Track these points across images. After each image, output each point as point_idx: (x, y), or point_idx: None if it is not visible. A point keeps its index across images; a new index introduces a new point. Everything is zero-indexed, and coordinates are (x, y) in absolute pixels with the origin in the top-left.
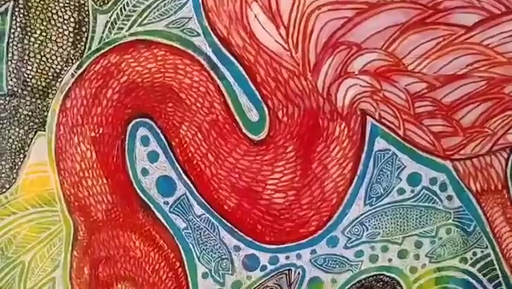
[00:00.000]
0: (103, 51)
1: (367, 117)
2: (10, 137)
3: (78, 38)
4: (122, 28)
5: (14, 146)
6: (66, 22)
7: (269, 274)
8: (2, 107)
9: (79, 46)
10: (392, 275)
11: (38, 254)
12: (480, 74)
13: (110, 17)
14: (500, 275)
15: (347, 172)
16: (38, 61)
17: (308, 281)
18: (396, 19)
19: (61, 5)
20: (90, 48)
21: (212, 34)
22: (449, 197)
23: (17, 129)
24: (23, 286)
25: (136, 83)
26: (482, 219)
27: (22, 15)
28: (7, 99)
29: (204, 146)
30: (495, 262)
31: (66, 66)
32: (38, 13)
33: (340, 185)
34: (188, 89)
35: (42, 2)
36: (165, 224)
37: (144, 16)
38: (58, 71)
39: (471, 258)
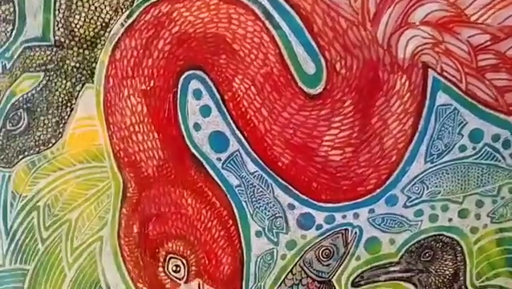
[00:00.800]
0: (153, 0)
1: (429, 70)
2: (56, 90)
3: None
4: None
5: (60, 99)
6: None
7: (324, 234)
8: (49, 58)
9: None
10: (452, 236)
11: (85, 211)
12: None
13: None
14: None
15: (407, 127)
16: (86, 10)
17: (365, 241)
18: None
19: None
20: None
21: None
22: None
23: (64, 81)
24: (70, 245)
25: (188, 33)
26: None
27: None
28: (54, 50)
29: (257, 100)
30: None
31: (115, 15)
32: None
33: (400, 141)
34: (241, 40)
35: None
36: (218, 181)
37: None
38: (107, 20)
39: None
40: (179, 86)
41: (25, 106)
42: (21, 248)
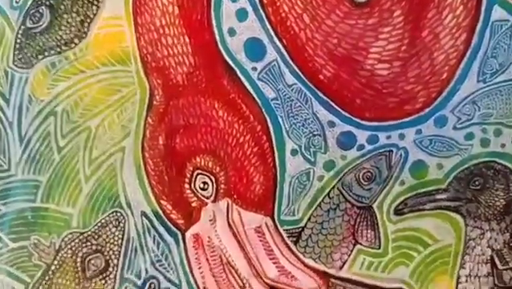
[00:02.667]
0: None
1: None
2: None
3: None
4: None
5: None
6: None
7: (366, 155)
8: None
9: None
10: (505, 163)
11: (106, 119)
12: None
13: None
14: None
15: (459, 43)
16: None
17: (411, 165)
18: None
19: None
20: None
21: None
22: None
23: None
24: (88, 156)
25: None
26: None
27: None
28: None
29: (299, 5)
30: None
31: None
32: None
33: (452, 57)
34: None
35: None
36: (252, 92)
37: None
38: None
39: None
40: None
41: (48, 2)
42: (35, 157)
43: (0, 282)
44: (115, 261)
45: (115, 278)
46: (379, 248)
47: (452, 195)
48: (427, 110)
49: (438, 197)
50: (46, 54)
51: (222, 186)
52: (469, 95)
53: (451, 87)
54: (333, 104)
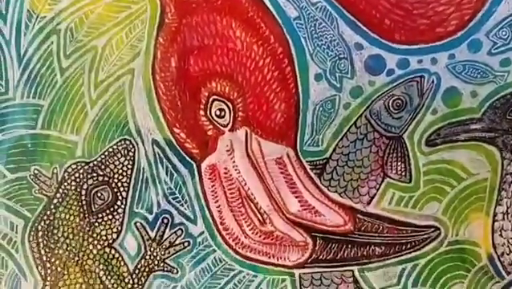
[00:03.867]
0: None
1: None
2: None
3: None
4: None
5: None
6: None
7: (396, 81)
8: None
9: None
10: None
11: (114, 38)
12: None
13: None
14: None
15: None
16: None
17: (443, 92)
18: None
19: None
20: None
21: None
22: None
23: None
24: (94, 78)
25: None
26: None
27: None
28: None
29: None
30: None
31: None
32: None
33: None
34: None
35: None
36: (273, 11)
37: None
38: None
39: None
40: None
41: None
42: (35, 79)
43: None
44: (124, 194)
45: (123, 212)
46: (410, 182)
47: (487, 125)
48: (460, 33)
49: (472, 127)
50: None
51: (240, 114)
52: (505, 18)
53: (486, 10)
54: (360, 25)
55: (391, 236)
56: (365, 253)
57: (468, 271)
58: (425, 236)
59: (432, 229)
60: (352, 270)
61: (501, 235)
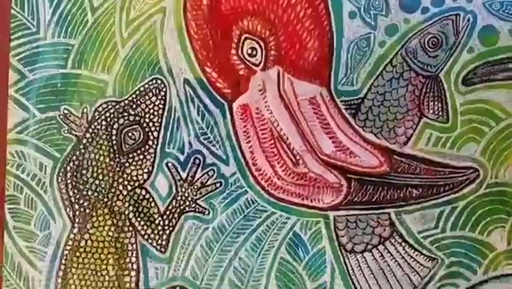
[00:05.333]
0: None
1: None
2: None
3: None
4: None
5: None
6: None
7: (431, 19)
8: None
9: None
10: None
11: None
12: None
13: None
14: None
15: None
16: None
17: (480, 30)
18: None
19: None
20: None
21: None
22: None
23: None
24: (125, 16)
25: None
26: None
27: None
28: None
29: None
30: None
31: None
32: None
33: None
34: None
35: None
36: None
37: None
38: None
39: None
40: None
41: None
42: (66, 18)
43: (26, 157)
44: (155, 133)
45: (155, 152)
46: (447, 122)
47: None
48: None
49: (510, 66)
50: None
51: (272, 52)
52: None
53: None
54: None
55: (428, 177)
56: (402, 195)
57: (509, 215)
58: (463, 178)
59: (471, 171)
60: (389, 213)
61: None
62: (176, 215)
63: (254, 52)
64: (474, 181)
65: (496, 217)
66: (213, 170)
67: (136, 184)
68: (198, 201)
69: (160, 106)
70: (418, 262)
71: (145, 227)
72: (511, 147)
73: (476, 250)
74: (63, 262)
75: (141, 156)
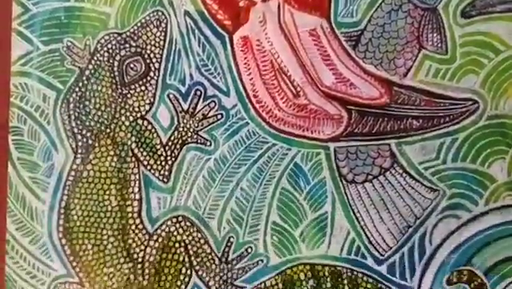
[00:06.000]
0: None
1: None
2: None
3: None
4: None
5: None
6: None
7: None
8: None
9: None
10: None
11: None
12: None
13: None
14: None
15: None
16: None
17: None
18: None
19: None
20: None
21: None
22: None
23: None
24: None
25: None
26: None
27: None
28: None
29: None
30: None
31: None
32: None
33: None
34: None
35: None
36: None
37: None
38: None
39: None
40: None
41: None
42: None
43: (30, 89)
44: (157, 65)
45: (156, 83)
46: (446, 53)
47: None
48: None
49: None
50: None
51: None
52: None
53: None
54: None
55: (428, 109)
56: (402, 126)
57: (509, 147)
58: (463, 109)
59: (471, 103)
60: (389, 144)
61: None
62: (178, 146)
63: None
64: (474, 112)
65: (496, 148)
66: (214, 102)
67: (138, 115)
68: (200, 133)
69: (161, 38)
70: (419, 193)
71: (148, 158)
72: (510, 79)
73: (477, 182)
74: (66, 192)
75: (143, 88)
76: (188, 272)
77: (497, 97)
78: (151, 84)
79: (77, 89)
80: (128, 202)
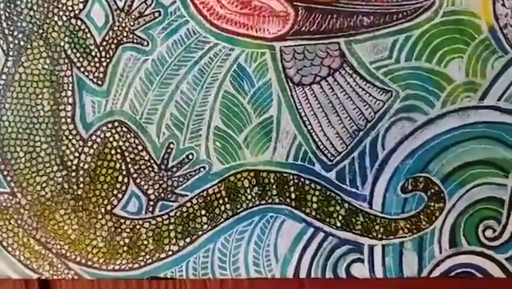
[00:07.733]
0: None
1: None
2: None
3: None
4: None
5: None
6: None
7: None
8: None
9: None
10: None
11: None
12: None
13: None
14: None
15: None
16: None
17: None
18: None
19: None
20: None
21: None
22: None
23: None
24: None
25: None
26: None
27: None
28: None
29: None
30: None
31: None
32: None
33: None
34: None
35: None
36: None
37: None
38: None
39: None
40: None
41: None
42: None
43: None
44: None
45: None
46: None
47: None
48: None
49: None
50: None
51: None
52: None
53: None
54: None
55: (380, 5)
56: (352, 23)
57: (467, 45)
58: (417, 5)
59: None
60: (338, 43)
61: (503, 5)
62: (113, 46)
63: None
64: (429, 8)
65: (453, 46)
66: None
67: (72, 14)
68: (136, 32)
69: None
70: (371, 94)
71: (81, 59)
72: None
73: (433, 82)
74: None
75: None
76: (126, 180)
77: None
78: None
79: None
80: (62, 107)
